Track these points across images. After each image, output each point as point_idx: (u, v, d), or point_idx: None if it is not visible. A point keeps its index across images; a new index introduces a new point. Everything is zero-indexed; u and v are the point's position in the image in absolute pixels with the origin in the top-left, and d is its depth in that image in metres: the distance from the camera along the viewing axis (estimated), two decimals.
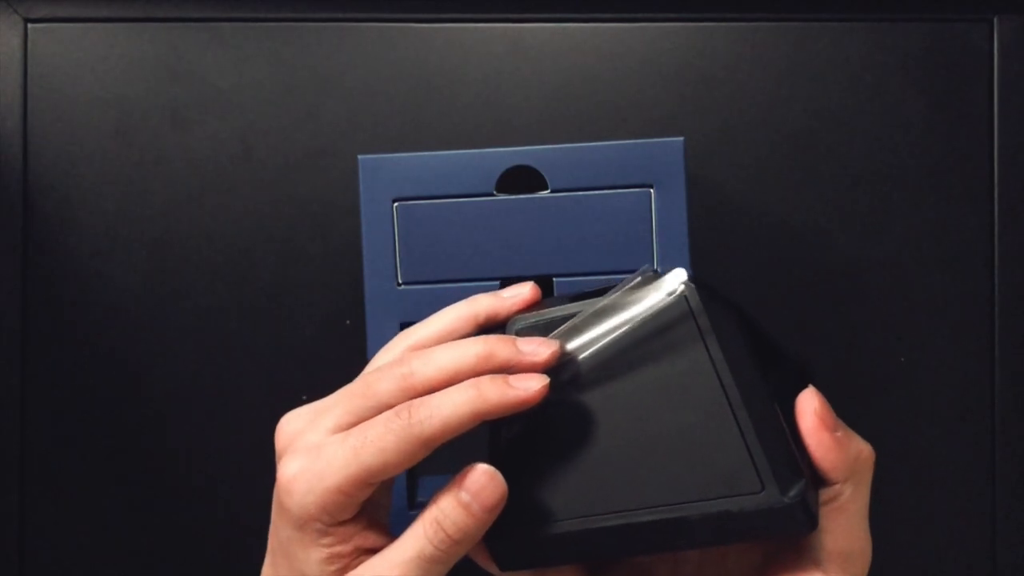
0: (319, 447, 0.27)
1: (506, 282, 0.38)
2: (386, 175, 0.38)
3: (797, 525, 0.25)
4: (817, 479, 0.27)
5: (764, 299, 0.45)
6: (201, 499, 0.45)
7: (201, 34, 0.45)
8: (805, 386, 0.28)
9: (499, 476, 0.27)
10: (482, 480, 0.27)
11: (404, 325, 0.38)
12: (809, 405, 0.26)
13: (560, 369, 0.28)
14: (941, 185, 0.46)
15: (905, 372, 0.46)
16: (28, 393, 0.45)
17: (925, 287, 0.46)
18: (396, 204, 0.38)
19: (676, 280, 0.27)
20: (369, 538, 0.28)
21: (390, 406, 0.27)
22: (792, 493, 0.25)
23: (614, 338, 0.28)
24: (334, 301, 0.45)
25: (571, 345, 0.28)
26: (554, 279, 0.38)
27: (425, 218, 0.38)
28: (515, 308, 0.30)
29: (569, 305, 0.29)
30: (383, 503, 0.30)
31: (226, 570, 0.45)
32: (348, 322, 0.45)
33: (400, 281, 0.38)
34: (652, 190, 0.38)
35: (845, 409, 0.45)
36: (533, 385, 0.27)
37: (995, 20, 0.46)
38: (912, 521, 0.46)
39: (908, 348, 0.46)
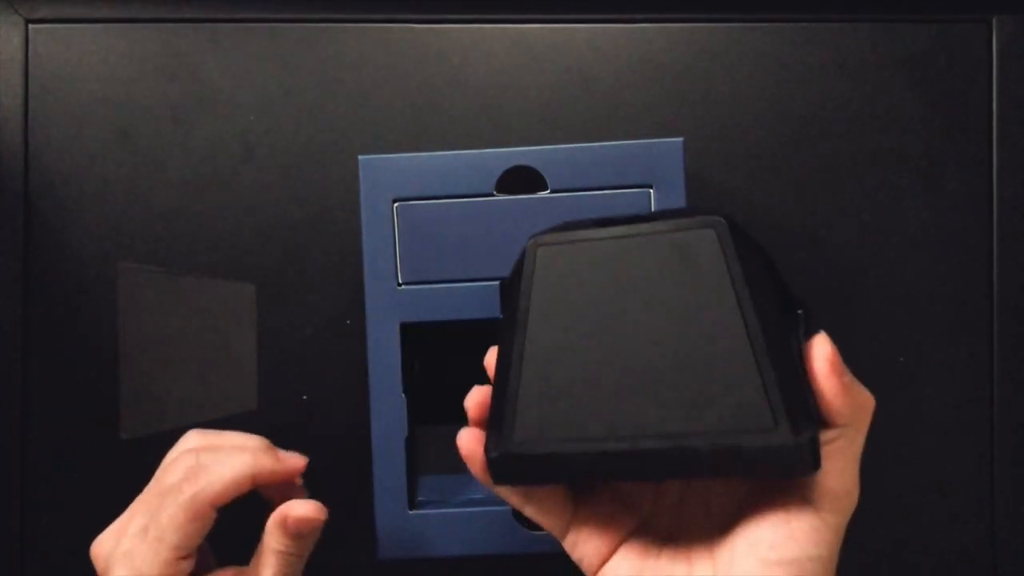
0: (130, 553, 0.32)
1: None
2: (386, 175, 0.38)
3: (803, 466, 0.26)
4: (820, 421, 0.27)
5: None
6: None
7: (201, 34, 0.45)
8: (810, 333, 0.28)
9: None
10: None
11: (404, 325, 0.38)
12: (822, 349, 0.27)
13: (576, 284, 0.28)
14: (941, 185, 0.46)
15: (905, 372, 0.46)
16: (28, 393, 0.45)
17: (925, 287, 0.46)
18: (396, 204, 0.38)
19: (709, 216, 0.28)
20: None
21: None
22: (805, 435, 0.25)
23: (636, 258, 0.28)
24: (334, 301, 0.45)
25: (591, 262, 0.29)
26: None
27: (425, 218, 0.38)
28: (286, 472, 0.34)
29: (597, 230, 0.29)
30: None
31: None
32: (348, 322, 0.45)
33: (400, 281, 0.38)
34: (652, 190, 0.38)
35: None
36: (297, 460, 0.34)
37: (994, 21, 0.46)
38: (912, 520, 0.46)
39: (908, 348, 0.46)
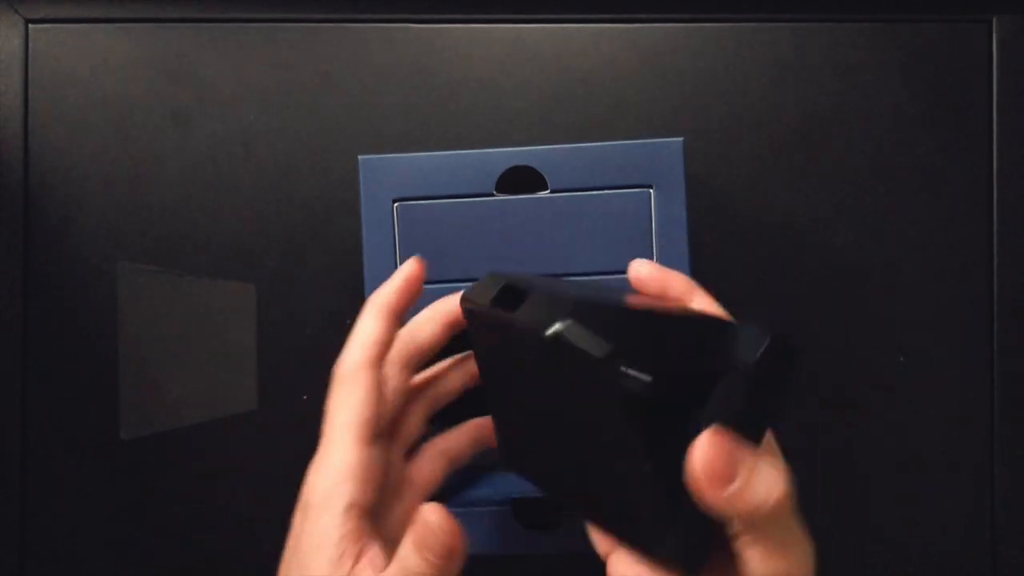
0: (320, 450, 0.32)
1: None
2: (386, 175, 0.38)
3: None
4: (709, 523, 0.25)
5: (764, 299, 0.45)
6: (202, 498, 0.45)
7: (201, 34, 0.45)
8: (767, 381, 0.24)
9: (447, 523, 0.26)
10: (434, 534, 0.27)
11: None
12: (695, 465, 0.23)
13: (502, 356, 0.30)
14: (941, 185, 0.46)
15: (905, 372, 0.46)
16: (28, 393, 0.45)
17: (925, 287, 0.46)
18: (396, 204, 0.38)
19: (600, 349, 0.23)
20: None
21: None
22: (667, 550, 0.25)
23: (538, 357, 0.26)
24: (334, 301, 0.45)
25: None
26: None
27: (425, 218, 0.38)
28: (405, 289, 0.34)
29: (501, 312, 0.28)
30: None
31: (227, 569, 0.45)
32: (348, 322, 0.45)
33: None
34: (652, 190, 0.38)
35: (845, 409, 0.46)
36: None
37: (994, 20, 0.46)
38: (912, 521, 0.46)
39: (908, 348, 0.46)
